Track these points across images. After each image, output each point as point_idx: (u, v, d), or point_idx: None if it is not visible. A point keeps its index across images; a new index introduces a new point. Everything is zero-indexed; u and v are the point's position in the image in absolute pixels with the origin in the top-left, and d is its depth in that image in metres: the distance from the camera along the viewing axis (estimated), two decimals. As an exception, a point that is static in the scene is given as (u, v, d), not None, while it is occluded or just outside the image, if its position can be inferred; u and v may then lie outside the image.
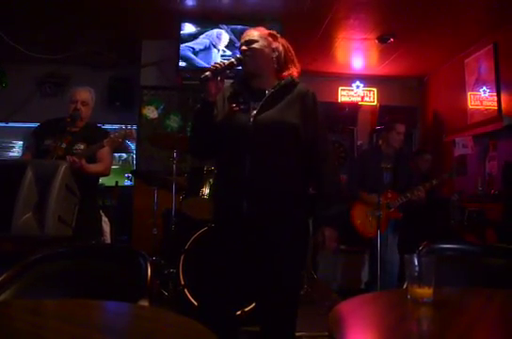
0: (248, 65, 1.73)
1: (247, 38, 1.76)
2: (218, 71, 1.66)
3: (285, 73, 1.77)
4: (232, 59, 1.72)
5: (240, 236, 1.66)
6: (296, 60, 1.82)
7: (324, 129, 1.79)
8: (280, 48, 1.78)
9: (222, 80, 1.69)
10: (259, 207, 1.63)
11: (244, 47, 1.74)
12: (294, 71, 1.79)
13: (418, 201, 3.21)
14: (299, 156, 1.72)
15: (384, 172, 3.27)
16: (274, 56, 1.75)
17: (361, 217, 3.30)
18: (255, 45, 1.73)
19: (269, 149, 1.65)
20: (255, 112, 1.67)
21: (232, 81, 1.84)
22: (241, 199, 1.63)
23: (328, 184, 1.73)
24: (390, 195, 3.22)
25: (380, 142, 3.42)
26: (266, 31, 1.80)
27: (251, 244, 1.65)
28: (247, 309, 2.63)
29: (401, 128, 3.36)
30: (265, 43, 1.74)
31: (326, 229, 1.71)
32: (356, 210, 3.34)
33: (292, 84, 1.75)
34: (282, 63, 1.78)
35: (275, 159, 1.66)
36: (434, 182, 3.25)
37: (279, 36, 1.83)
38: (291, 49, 1.83)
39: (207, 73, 1.65)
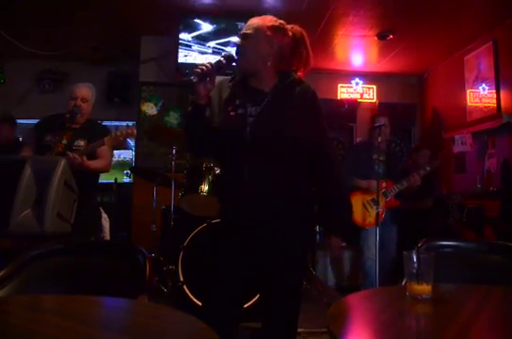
0: (240, 64, 1.63)
1: (244, 30, 1.62)
2: (204, 73, 1.56)
3: (287, 69, 1.67)
4: (221, 58, 1.61)
5: (242, 239, 1.65)
6: (307, 52, 1.68)
7: (326, 131, 1.72)
8: (285, 42, 1.64)
9: (212, 80, 1.59)
10: (257, 214, 1.60)
11: (237, 42, 1.64)
12: (300, 67, 1.68)
13: (414, 188, 3.22)
14: (300, 164, 1.65)
15: (376, 164, 3.27)
16: (271, 52, 1.62)
17: (358, 209, 3.26)
18: (247, 41, 1.61)
19: (268, 157, 1.59)
20: (252, 119, 1.59)
21: (229, 79, 1.73)
22: (238, 204, 1.61)
23: (339, 187, 1.70)
24: (385, 184, 3.21)
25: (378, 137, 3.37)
26: (269, 23, 1.63)
27: (253, 245, 1.64)
28: (246, 305, 2.64)
29: (380, 120, 3.37)
30: (262, 39, 1.60)
31: (333, 238, 1.70)
32: (351, 201, 3.28)
33: (292, 84, 1.65)
34: (287, 58, 1.66)
35: (273, 167, 1.60)
36: (427, 168, 3.26)
37: (287, 27, 1.66)
38: (304, 40, 1.67)
39: (192, 77, 1.55)
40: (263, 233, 1.62)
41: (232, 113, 1.61)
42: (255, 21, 1.65)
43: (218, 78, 1.67)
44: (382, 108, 5.72)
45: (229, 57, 1.62)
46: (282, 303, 1.64)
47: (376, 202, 3.13)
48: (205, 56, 4.63)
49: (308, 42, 1.68)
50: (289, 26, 1.68)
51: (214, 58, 5.03)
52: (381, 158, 3.26)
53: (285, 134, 1.58)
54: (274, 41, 1.62)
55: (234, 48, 1.66)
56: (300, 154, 1.63)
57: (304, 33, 1.68)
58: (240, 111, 1.60)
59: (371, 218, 3.19)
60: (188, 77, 1.57)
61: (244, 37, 1.62)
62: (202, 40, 4.66)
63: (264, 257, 1.64)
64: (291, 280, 1.65)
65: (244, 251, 1.64)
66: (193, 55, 4.64)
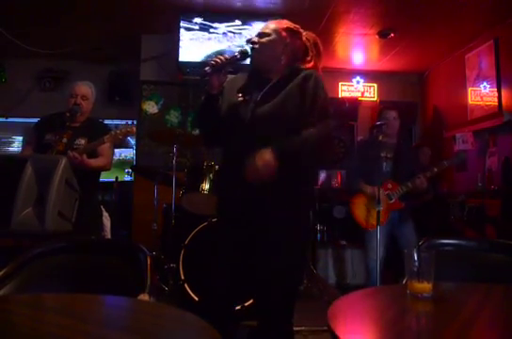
0: (254, 59, 1.71)
1: (261, 30, 1.74)
2: (219, 65, 1.64)
3: (296, 65, 1.74)
4: (236, 53, 1.70)
5: (239, 229, 1.66)
6: (320, 56, 1.77)
7: (326, 117, 1.67)
8: (298, 44, 1.74)
9: (225, 73, 1.69)
10: (254, 202, 1.63)
11: (254, 39, 1.72)
12: (311, 64, 1.74)
13: (420, 190, 3.09)
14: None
15: (384, 162, 3.14)
16: (285, 51, 1.71)
17: (361, 210, 3.19)
18: (264, 39, 1.70)
19: (268, 142, 1.61)
20: (254, 105, 1.66)
21: (243, 72, 1.82)
22: (238, 192, 1.63)
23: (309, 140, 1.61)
24: (390, 185, 3.11)
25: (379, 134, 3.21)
26: (285, 25, 1.75)
27: (250, 237, 1.65)
28: (247, 304, 2.64)
29: (390, 114, 3.26)
30: (277, 38, 1.71)
31: (267, 151, 1.53)
32: (355, 202, 3.24)
33: (295, 71, 1.71)
34: (301, 56, 1.75)
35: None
36: (435, 169, 3.09)
37: (302, 31, 1.78)
38: (318, 45, 1.78)
39: (206, 69, 1.64)
40: (260, 217, 1.63)
41: (240, 99, 1.69)
42: (272, 23, 1.76)
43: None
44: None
45: (243, 53, 1.70)
46: (279, 302, 1.64)
47: (378, 202, 3.04)
48: (192, 32, 4.52)
49: (321, 48, 1.79)
50: (303, 32, 1.79)
51: (202, 35, 4.85)
52: (389, 155, 3.15)
53: (284, 116, 1.63)
54: (288, 42, 1.72)
55: (249, 45, 1.73)
56: None
57: (318, 39, 1.79)
58: (247, 97, 1.69)
59: (373, 220, 3.10)
60: (204, 69, 1.64)
61: (261, 35, 1.71)
62: (188, 16, 4.49)
63: (259, 249, 1.65)
64: (288, 276, 1.66)
65: (241, 247, 1.66)
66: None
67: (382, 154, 3.16)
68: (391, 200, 3.12)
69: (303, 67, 1.73)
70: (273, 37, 1.71)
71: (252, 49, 1.70)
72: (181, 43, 4.52)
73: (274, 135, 1.62)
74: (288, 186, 1.64)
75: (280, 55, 1.71)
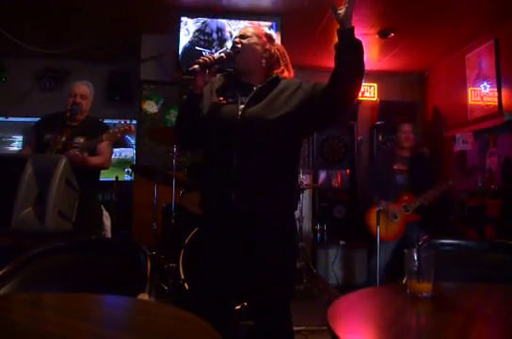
0: (237, 61, 1.73)
1: (242, 32, 1.78)
2: (207, 65, 1.66)
3: (274, 72, 1.78)
4: (222, 54, 1.70)
5: (229, 230, 1.66)
6: (289, 67, 1.82)
7: None
8: (273, 51, 1.79)
9: (211, 73, 1.69)
10: (247, 202, 1.62)
11: (236, 40, 1.75)
12: (285, 73, 1.80)
13: (431, 203, 3.20)
14: (290, 150, 1.72)
15: (397, 175, 3.23)
16: (265, 55, 1.75)
17: (379, 221, 3.18)
18: (247, 41, 1.73)
19: (256, 143, 1.64)
20: (243, 106, 1.67)
21: (220, 74, 1.84)
22: (229, 192, 1.62)
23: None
24: (406, 197, 3.19)
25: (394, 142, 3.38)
26: (263, 31, 1.82)
27: (240, 238, 1.65)
28: (246, 303, 2.64)
29: (406, 127, 3.33)
30: (258, 41, 1.75)
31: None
32: (372, 214, 3.28)
33: (276, 80, 1.75)
34: (273, 64, 1.80)
35: (262, 154, 1.64)
36: (450, 182, 3.20)
37: (275, 39, 1.84)
38: (286, 55, 1.84)
39: (195, 67, 1.65)
40: (251, 218, 1.63)
41: (223, 101, 1.70)
42: (251, 27, 1.82)
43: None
44: (383, 106, 5.71)
45: (229, 55, 1.72)
46: (273, 303, 1.64)
47: (394, 216, 3.18)
48: (192, 32, 4.49)
49: (288, 58, 1.84)
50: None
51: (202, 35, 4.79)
52: (402, 168, 3.24)
53: (272, 116, 1.64)
54: (267, 47, 1.77)
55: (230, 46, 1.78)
56: (291, 139, 1.69)
57: (285, 51, 1.85)
58: (231, 100, 1.70)
59: (389, 232, 3.18)
60: (192, 67, 1.65)
61: (244, 37, 1.75)
62: (189, 16, 4.49)
63: (250, 250, 1.64)
64: (278, 275, 1.65)
65: (231, 243, 1.66)
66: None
67: (395, 167, 3.24)
68: (407, 211, 3.18)
69: (281, 76, 1.78)
70: (255, 39, 1.75)
71: (234, 48, 1.72)
72: (181, 43, 4.52)
73: (263, 134, 1.63)
74: (278, 194, 1.66)
75: (261, 58, 1.75)
